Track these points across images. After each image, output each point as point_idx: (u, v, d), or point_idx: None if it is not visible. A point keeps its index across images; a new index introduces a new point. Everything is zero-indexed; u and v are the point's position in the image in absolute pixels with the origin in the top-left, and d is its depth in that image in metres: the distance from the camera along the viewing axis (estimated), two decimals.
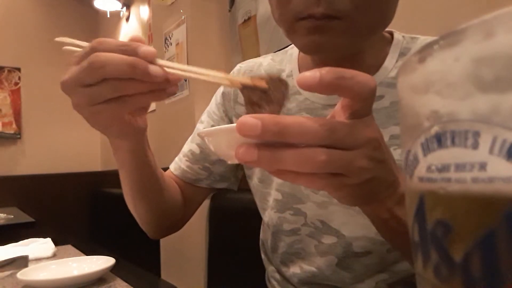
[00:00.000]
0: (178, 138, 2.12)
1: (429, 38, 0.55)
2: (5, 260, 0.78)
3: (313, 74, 0.28)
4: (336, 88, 0.29)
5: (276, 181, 0.60)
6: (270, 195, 0.62)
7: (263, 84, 0.34)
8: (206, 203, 1.71)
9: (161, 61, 0.35)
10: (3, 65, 3.43)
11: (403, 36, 0.58)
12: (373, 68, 0.55)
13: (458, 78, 0.13)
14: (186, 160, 0.69)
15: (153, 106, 2.71)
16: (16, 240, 1.01)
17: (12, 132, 3.43)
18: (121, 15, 3.39)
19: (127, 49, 0.35)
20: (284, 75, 0.62)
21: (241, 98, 0.65)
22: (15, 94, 3.46)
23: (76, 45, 0.39)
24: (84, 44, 0.37)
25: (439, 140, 0.14)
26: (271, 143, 0.27)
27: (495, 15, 0.12)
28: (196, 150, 0.68)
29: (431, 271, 0.14)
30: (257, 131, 0.26)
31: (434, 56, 0.14)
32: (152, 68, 0.35)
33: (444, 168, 0.13)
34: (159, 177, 0.60)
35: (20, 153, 3.48)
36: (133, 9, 3.25)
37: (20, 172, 3.42)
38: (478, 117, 0.12)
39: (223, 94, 0.69)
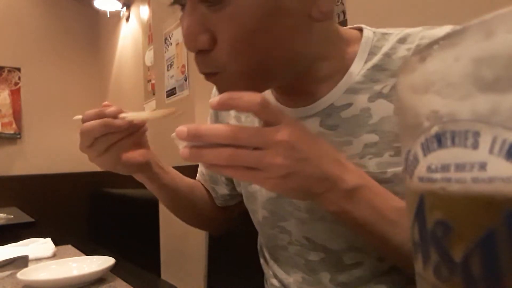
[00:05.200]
0: None
1: (404, 31, 0.51)
2: (5, 260, 0.78)
3: (215, 98, 0.38)
4: (229, 107, 0.38)
5: (260, 199, 0.60)
6: (258, 213, 0.61)
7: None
8: None
9: (122, 115, 0.51)
10: (3, 65, 3.44)
11: (374, 33, 0.52)
12: (339, 74, 0.51)
13: (458, 78, 0.13)
14: (202, 179, 0.75)
15: (153, 106, 2.71)
16: (16, 240, 1.01)
17: (12, 132, 3.43)
18: (121, 15, 3.39)
19: (100, 114, 0.50)
20: None
21: (222, 117, 0.68)
22: (15, 94, 3.46)
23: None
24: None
25: (439, 140, 0.14)
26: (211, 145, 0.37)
27: (495, 15, 0.12)
28: (204, 170, 0.75)
29: (431, 271, 0.14)
30: (184, 135, 0.36)
31: (434, 56, 0.14)
32: (116, 122, 0.50)
33: (444, 168, 0.13)
34: (186, 190, 0.70)
35: (20, 153, 3.48)
36: (133, 9, 3.25)
37: (20, 172, 3.42)
38: (478, 117, 0.12)
39: (210, 115, 0.72)
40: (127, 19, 3.34)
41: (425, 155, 0.15)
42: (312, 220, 0.54)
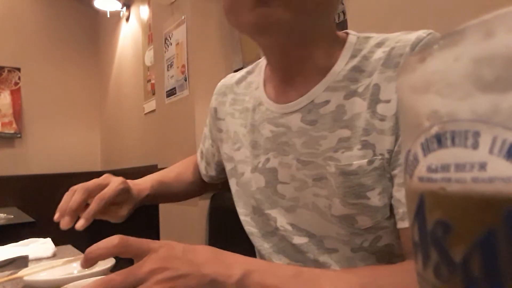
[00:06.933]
0: (178, 138, 2.13)
1: (383, 35, 0.55)
2: (5, 260, 0.78)
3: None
4: (92, 260, 0.41)
5: (251, 189, 0.65)
6: (248, 203, 0.66)
7: None
8: (206, 203, 1.71)
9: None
10: (3, 65, 3.44)
11: (357, 37, 0.57)
12: (323, 70, 0.55)
13: (458, 78, 0.13)
14: (199, 157, 0.86)
15: (153, 106, 2.71)
16: (16, 240, 1.01)
17: (12, 132, 3.43)
18: (121, 15, 3.39)
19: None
20: (253, 87, 0.68)
21: (220, 114, 0.74)
22: (15, 94, 3.46)
23: None
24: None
25: (439, 140, 0.14)
26: None
27: (495, 15, 0.12)
28: (203, 149, 0.85)
29: (431, 271, 0.14)
30: None
31: (434, 56, 0.14)
32: None
33: (444, 168, 0.13)
34: (175, 186, 0.84)
35: (20, 153, 3.49)
36: (133, 9, 3.25)
37: (20, 172, 3.42)
38: (478, 117, 0.12)
39: (210, 110, 0.78)
40: (127, 19, 3.34)
41: (425, 155, 0.15)
42: (297, 207, 0.58)
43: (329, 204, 0.54)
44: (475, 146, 0.12)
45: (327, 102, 0.54)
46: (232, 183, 0.71)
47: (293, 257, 0.60)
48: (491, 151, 0.12)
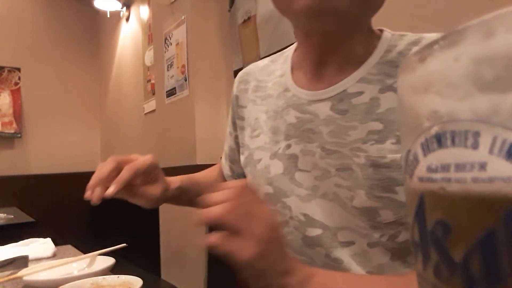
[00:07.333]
0: (178, 138, 2.13)
1: (420, 35, 0.56)
2: (5, 260, 0.78)
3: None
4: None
5: (267, 175, 0.64)
6: (260, 190, 0.65)
7: None
8: None
9: None
10: (3, 65, 3.44)
11: (392, 34, 0.58)
12: (358, 61, 0.56)
13: (458, 78, 0.13)
14: (224, 158, 0.83)
15: (153, 106, 2.71)
16: (16, 240, 1.01)
17: (12, 132, 3.43)
18: (121, 15, 3.39)
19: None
20: (276, 75, 0.68)
21: (242, 101, 0.73)
22: (15, 94, 3.46)
23: None
24: None
25: (439, 140, 0.14)
26: None
27: (495, 15, 0.12)
28: (227, 149, 0.81)
29: (431, 271, 0.14)
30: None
31: (434, 56, 0.14)
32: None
33: (444, 168, 0.13)
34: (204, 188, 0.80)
35: (20, 153, 3.48)
36: (133, 9, 3.25)
37: (20, 172, 3.42)
38: (478, 117, 0.12)
39: (232, 98, 0.77)
40: (127, 19, 3.34)
41: (425, 155, 0.15)
42: (314, 197, 0.58)
43: (351, 195, 0.53)
44: (475, 146, 0.12)
45: (360, 93, 0.55)
46: (247, 172, 0.70)
47: (300, 252, 0.59)
48: (491, 151, 0.12)
